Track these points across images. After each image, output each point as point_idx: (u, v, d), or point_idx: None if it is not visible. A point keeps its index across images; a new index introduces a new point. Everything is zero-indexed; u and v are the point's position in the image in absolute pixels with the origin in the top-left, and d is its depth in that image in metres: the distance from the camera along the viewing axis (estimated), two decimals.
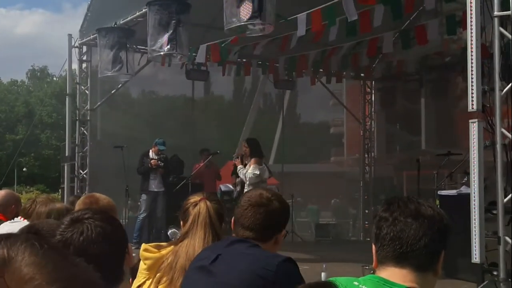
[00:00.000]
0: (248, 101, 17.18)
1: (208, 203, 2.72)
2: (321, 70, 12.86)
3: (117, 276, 1.71)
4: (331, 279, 1.77)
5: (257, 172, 8.54)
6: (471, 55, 5.05)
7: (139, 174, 10.70)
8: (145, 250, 2.78)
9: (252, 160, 8.68)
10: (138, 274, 2.78)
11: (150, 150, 10.74)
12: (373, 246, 1.76)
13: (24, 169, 36.70)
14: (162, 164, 10.65)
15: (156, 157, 10.64)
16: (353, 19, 7.04)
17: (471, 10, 5.14)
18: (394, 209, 1.73)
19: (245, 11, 6.54)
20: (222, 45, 9.64)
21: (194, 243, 2.64)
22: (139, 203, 11.14)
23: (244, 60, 12.42)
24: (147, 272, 2.74)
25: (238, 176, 8.98)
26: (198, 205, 2.72)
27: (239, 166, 8.83)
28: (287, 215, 2.39)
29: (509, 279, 5.05)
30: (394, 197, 1.82)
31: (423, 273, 1.69)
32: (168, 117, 14.75)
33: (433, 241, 1.68)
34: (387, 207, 1.76)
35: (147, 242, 3.75)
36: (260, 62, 12.85)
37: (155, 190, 10.60)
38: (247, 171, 8.60)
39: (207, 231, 2.66)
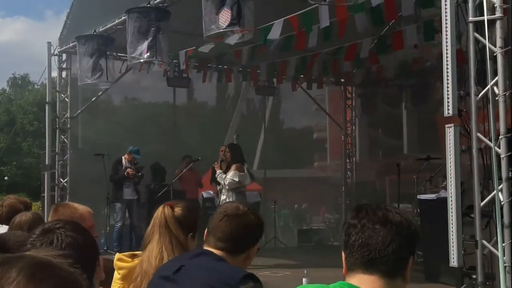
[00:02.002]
0: (231, 107, 17.15)
1: (167, 208, 2.74)
2: (302, 76, 12.89)
3: None
4: (299, 287, 1.78)
5: (236, 178, 8.49)
6: (447, 61, 5.10)
7: (111, 182, 10.61)
8: (119, 259, 2.77)
9: (233, 166, 8.62)
10: (113, 284, 2.76)
11: (123, 158, 10.67)
12: (343, 253, 1.76)
13: (6, 177, 36.22)
14: (140, 174, 10.61)
15: (133, 166, 10.57)
16: (324, 26, 7.08)
17: (446, 15, 5.19)
18: (363, 216, 1.74)
19: (224, 18, 6.54)
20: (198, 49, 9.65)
21: (153, 247, 2.68)
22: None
23: (225, 66, 12.41)
24: (121, 282, 2.72)
25: (219, 183, 8.88)
26: (157, 211, 2.76)
27: (218, 171, 8.76)
28: (261, 230, 2.39)
29: (487, 283, 5.10)
30: (363, 203, 1.83)
31: (392, 279, 1.69)
32: (150, 124, 14.65)
33: (400, 247, 1.68)
34: (356, 214, 1.77)
35: (129, 250, 3.75)
36: (241, 69, 12.85)
37: (129, 198, 10.54)
38: (226, 176, 8.55)
39: (162, 233, 2.69)
